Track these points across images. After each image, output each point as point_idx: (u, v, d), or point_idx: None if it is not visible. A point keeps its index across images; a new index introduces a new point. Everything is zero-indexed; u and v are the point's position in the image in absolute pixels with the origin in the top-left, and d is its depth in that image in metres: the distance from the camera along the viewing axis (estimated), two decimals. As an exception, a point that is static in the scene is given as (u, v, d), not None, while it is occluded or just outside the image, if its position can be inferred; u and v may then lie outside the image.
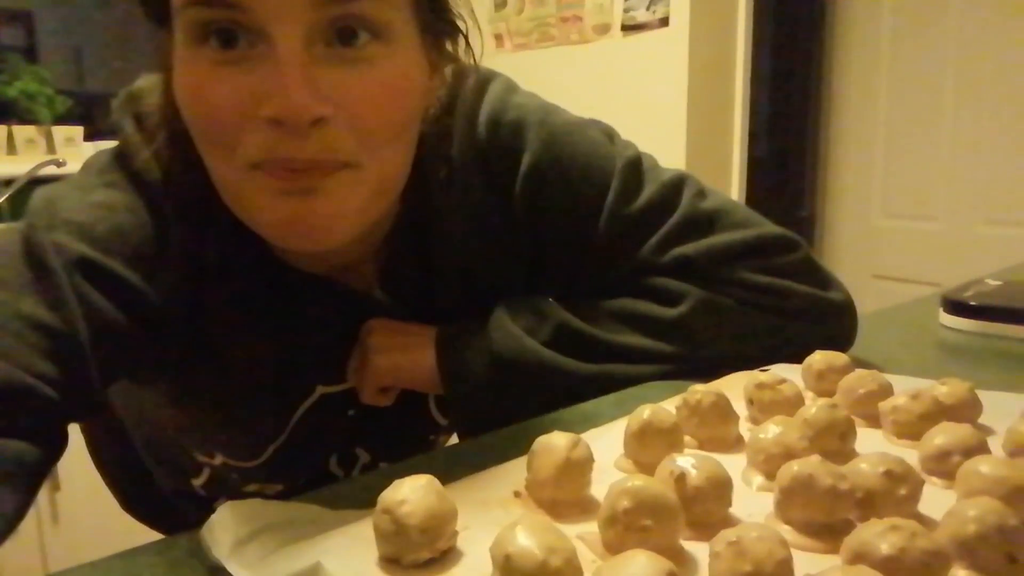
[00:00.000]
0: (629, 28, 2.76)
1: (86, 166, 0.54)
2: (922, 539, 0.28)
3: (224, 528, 0.36)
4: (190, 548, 0.37)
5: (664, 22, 2.65)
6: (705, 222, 0.60)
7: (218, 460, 0.62)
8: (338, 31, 0.45)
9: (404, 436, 0.66)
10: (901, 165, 2.73)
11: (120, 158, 0.53)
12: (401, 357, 0.59)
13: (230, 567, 0.34)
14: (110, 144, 0.56)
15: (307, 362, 0.59)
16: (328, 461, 0.64)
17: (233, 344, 0.55)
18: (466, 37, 0.55)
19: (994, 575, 0.30)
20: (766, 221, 0.63)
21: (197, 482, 0.65)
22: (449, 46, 0.54)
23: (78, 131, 2.30)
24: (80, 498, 1.71)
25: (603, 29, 2.84)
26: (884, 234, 2.81)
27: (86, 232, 0.48)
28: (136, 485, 0.77)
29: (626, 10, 2.76)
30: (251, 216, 0.49)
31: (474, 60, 0.57)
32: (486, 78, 0.61)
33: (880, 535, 0.28)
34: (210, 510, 0.37)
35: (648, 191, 0.61)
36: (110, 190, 0.51)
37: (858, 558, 0.28)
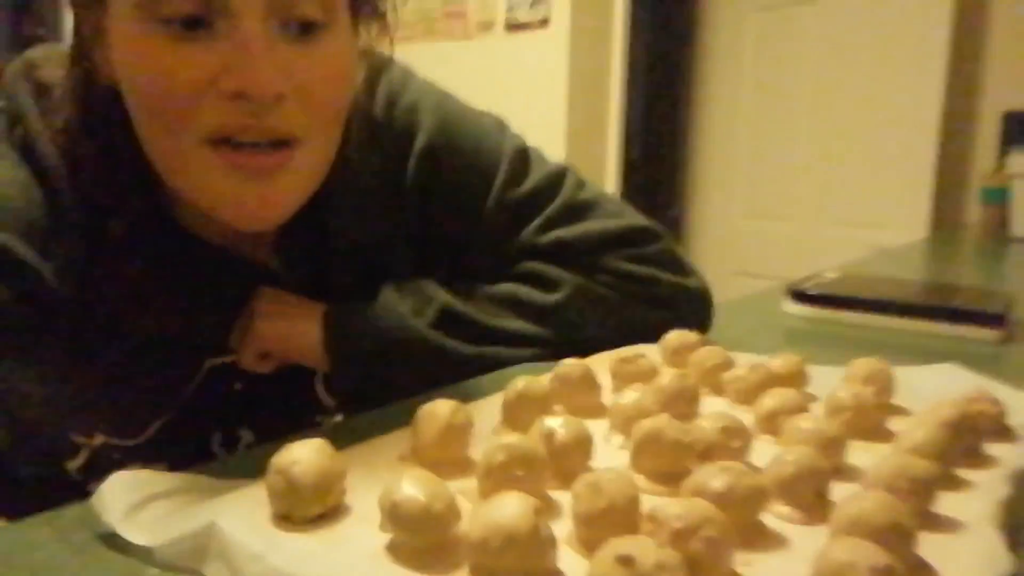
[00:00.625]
0: (512, 27, 2.82)
1: None
2: (748, 478, 0.34)
3: (115, 495, 0.37)
4: (79, 517, 0.38)
5: (545, 23, 2.74)
6: (582, 209, 0.66)
7: (98, 440, 0.61)
8: (290, 13, 0.47)
9: (289, 416, 0.67)
10: (761, 170, 2.93)
11: (10, 128, 0.52)
12: (286, 325, 0.60)
13: (123, 531, 0.35)
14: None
15: (199, 335, 0.60)
16: (211, 440, 0.65)
17: (125, 316, 0.55)
18: (385, 19, 0.57)
19: (807, 509, 0.36)
20: (636, 212, 0.69)
21: (72, 465, 0.64)
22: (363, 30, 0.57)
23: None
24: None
25: (487, 26, 2.90)
26: (744, 233, 3.00)
27: None
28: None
29: (509, 8, 2.83)
30: (202, 193, 0.50)
31: (391, 41, 0.59)
32: (384, 61, 0.64)
33: (713, 474, 0.34)
34: (84, 494, 0.38)
35: (533, 178, 0.65)
36: (1, 163, 0.50)
37: (695, 494, 0.33)
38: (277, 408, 0.65)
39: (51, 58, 0.53)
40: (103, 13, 0.48)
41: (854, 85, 2.64)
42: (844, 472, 0.41)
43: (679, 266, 0.68)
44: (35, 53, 0.55)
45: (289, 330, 0.60)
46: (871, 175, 2.63)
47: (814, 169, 2.78)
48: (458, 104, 0.66)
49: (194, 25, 0.45)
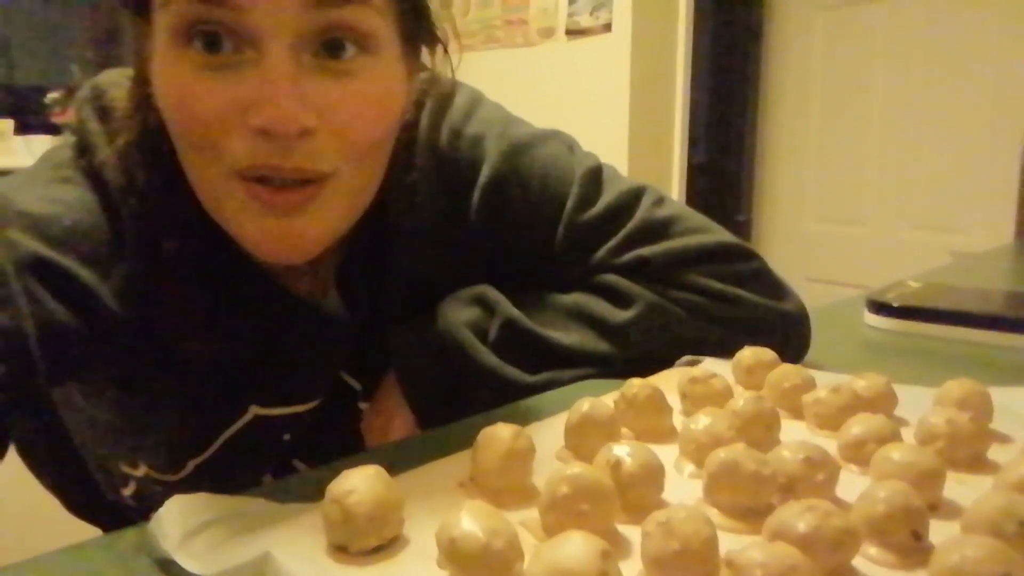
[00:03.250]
0: (573, 32, 2.80)
1: (43, 159, 0.54)
2: (836, 518, 0.31)
3: (172, 521, 0.36)
4: (137, 542, 0.38)
5: (607, 28, 2.70)
6: (661, 227, 0.62)
7: (141, 471, 0.61)
8: (325, 42, 0.46)
9: (343, 447, 0.66)
10: (833, 172, 2.83)
11: (79, 153, 0.52)
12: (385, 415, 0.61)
13: (178, 559, 0.34)
14: (41, 139, 0.55)
15: (246, 378, 0.58)
16: (261, 479, 0.63)
17: (179, 342, 0.55)
18: (445, 47, 0.56)
19: (901, 551, 0.33)
20: (723, 229, 0.64)
21: (127, 492, 0.64)
22: (425, 54, 0.55)
23: (8, 124, 2.23)
24: (7, 507, 1.65)
25: (548, 32, 2.88)
26: (816, 238, 2.91)
27: (41, 228, 0.47)
28: (79, 487, 0.75)
29: (570, 14, 2.80)
30: (233, 227, 0.50)
31: (451, 70, 0.58)
32: (453, 88, 0.62)
33: (797, 515, 0.31)
34: (147, 518, 0.37)
35: (606, 198, 0.62)
36: (67, 186, 0.51)
37: (777, 536, 0.30)
38: (329, 442, 0.64)
39: (118, 83, 0.54)
40: (149, 34, 0.48)
41: (931, 84, 2.53)
42: (941, 508, 0.38)
43: (772, 287, 0.63)
44: (104, 78, 0.55)
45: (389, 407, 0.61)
46: (950, 176, 2.51)
47: (889, 171, 2.67)
48: (524, 130, 0.63)
49: (222, 52, 0.44)
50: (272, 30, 0.44)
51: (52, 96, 2.34)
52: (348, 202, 0.51)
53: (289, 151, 0.45)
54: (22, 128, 2.27)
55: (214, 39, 0.44)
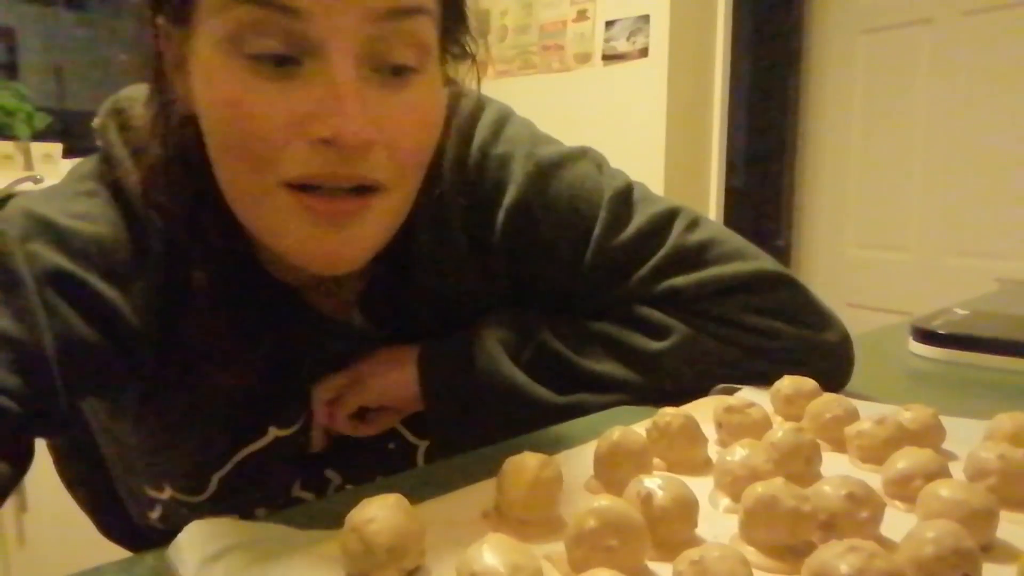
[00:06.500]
0: (610, 58, 2.80)
1: (69, 174, 0.54)
2: (880, 560, 0.29)
3: (191, 547, 0.36)
4: (155, 566, 0.37)
5: (644, 53, 2.70)
6: (694, 254, 0.60)
7: (166, 493, 0.60)
8: (383, 57, 0.45)
9: (373, 455, 0.65)
10: (874, 196, 2.78)
11: (104, 169, 0.52)
12: (390, 375, 0.59)
13: (196, 586, 0.34)
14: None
15: (266, 398, 0.58)
16: (290, 489, 0.63)
17: (199, 367, 0.54)
18: (474, 59, 0.55)
19: (951, 597, 0.31)
20: (761, 254, 0.62)
21: (153, 516, 0.64)
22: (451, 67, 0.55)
23: (57, 148, 2.29)
24: (47, 520, 1.67)
25: (584, 58, 2.88)
26: (857, 263, 2.85)
27: (64, 242, 0.47)
28: (110, 509, 0.75)
29: (607, 40, 2.81)
30: (275, 238, 0.49)
31: (478, 81, 0.58)
32: (481, 105, 0.62)
33: (840, 556, 0.29)
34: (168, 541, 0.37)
35: (636, 223, 0.60)
36: (92, 200, 0.51)
37: (818, 578, 0.29)
38: (359, 450, 0.63)
39: (139, 99, 0.54)
40: (187, 40, 0.47)
41: (974, 107, 2.48)
42: (994, 550, 0.35)
43: (812, 317, 0.60)
44: (126, 92, 0.55)
45: (393, 379, 0.59)
46: (995, 201, 2.45)
47: (932, 196, 2.61)
48: (552, 150, 0.62)
49: (282, 63, 0.44)
50: (338, 40, 0.43)
51: (97, 120, 2.40)
52: (391, 217, 0.51)
53: (348, 161, 0.45)
54: (71, 152, 2.33)
55: (273, 47, 0.43)
